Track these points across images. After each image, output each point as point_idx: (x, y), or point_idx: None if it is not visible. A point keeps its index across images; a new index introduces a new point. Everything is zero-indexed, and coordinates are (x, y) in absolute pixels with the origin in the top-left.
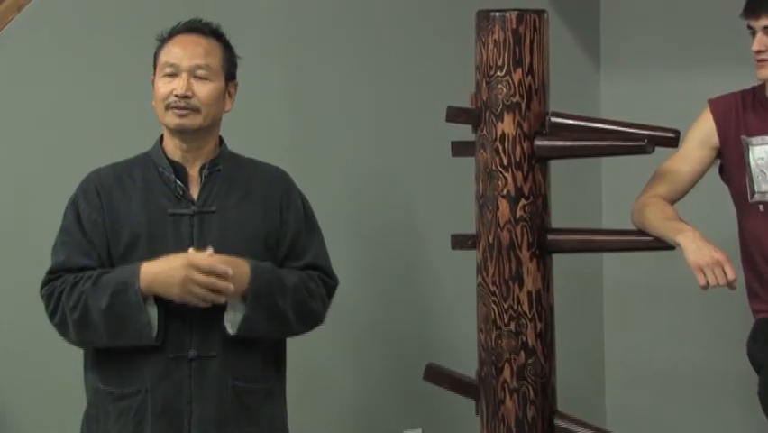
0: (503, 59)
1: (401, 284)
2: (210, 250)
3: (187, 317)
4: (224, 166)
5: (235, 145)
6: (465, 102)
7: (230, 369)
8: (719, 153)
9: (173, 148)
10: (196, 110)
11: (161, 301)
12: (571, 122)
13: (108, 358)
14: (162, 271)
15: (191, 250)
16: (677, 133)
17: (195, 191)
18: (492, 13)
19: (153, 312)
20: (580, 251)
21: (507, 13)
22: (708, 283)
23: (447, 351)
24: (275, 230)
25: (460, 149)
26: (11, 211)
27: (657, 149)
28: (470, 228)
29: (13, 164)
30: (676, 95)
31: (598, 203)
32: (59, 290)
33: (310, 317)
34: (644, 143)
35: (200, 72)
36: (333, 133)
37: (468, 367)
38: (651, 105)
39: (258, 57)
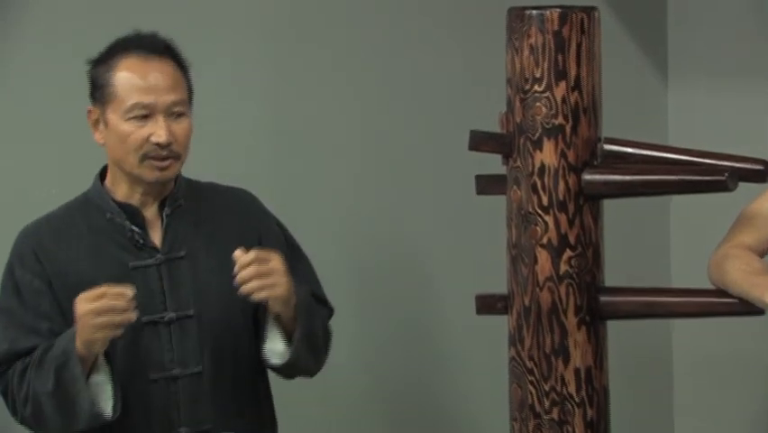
0: (542, 71)
1: (411, 358)
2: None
3: (172, 390)
4: (185, 200)
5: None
6: (494, 125)
7: None
8: None
9: (127, 191)
10: (177, 157)
11: (137, 374)
12: (630, 150)
13: None
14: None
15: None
16: (767, 164)
17: (156, 236)
18: (528, 12)
19: (100, 379)
20: (642, 316)
21: (548, 11)
22: None
23: None
24: None
25: (487, 185)
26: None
27: (741, 185)
28: (501, 287)
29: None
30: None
31: (665, 255)
32: (11, 385)
33: (326, 351)
34: (724, 178)
35: (177, 109)
36: (326, 167)
37: None
38: (733, 129)
39: (242, 78)
